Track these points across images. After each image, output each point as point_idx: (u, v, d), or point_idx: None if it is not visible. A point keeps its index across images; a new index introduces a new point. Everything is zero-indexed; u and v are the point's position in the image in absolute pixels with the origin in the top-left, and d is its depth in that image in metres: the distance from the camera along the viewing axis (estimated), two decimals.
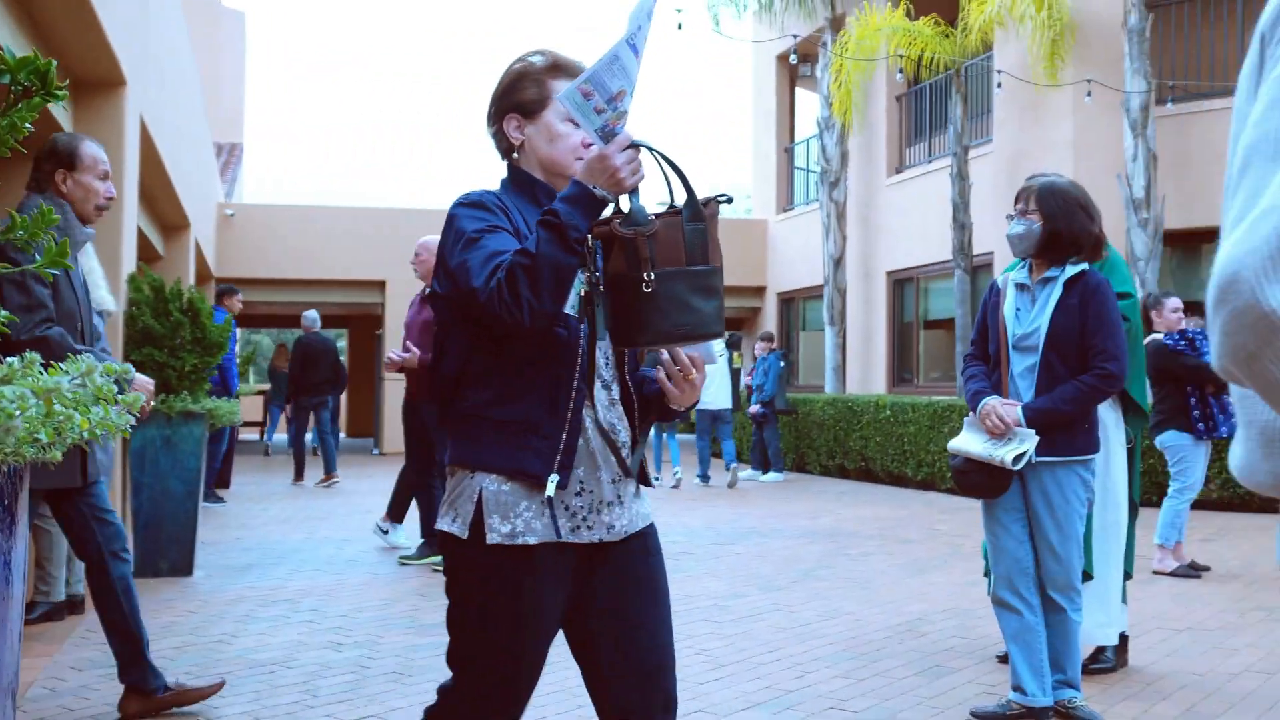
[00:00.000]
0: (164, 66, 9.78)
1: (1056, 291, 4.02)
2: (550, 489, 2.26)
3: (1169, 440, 7.51)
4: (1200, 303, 6.92)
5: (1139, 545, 8.18)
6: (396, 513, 8.28)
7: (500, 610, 2.28)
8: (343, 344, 29.33)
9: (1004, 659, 4.83)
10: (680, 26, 10.29)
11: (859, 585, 6.90)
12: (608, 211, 2.28)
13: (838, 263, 17.03)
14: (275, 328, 31.75)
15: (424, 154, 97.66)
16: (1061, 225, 4.02)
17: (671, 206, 2.34)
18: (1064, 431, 3.94)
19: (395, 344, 18.87)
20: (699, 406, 14.60)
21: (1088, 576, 4.87)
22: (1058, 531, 3.99)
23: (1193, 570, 7.26)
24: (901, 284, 16.82)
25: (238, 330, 11.20)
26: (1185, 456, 7.45)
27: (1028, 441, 3.89)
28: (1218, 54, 13.34)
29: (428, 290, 7.54)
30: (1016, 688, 4.07)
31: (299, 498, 12.11)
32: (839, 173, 17.12)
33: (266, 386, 21.28)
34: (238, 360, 11.58)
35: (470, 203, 2.38)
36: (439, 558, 7.44)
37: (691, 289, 2.28)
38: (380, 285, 19.95)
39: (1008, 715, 4.06)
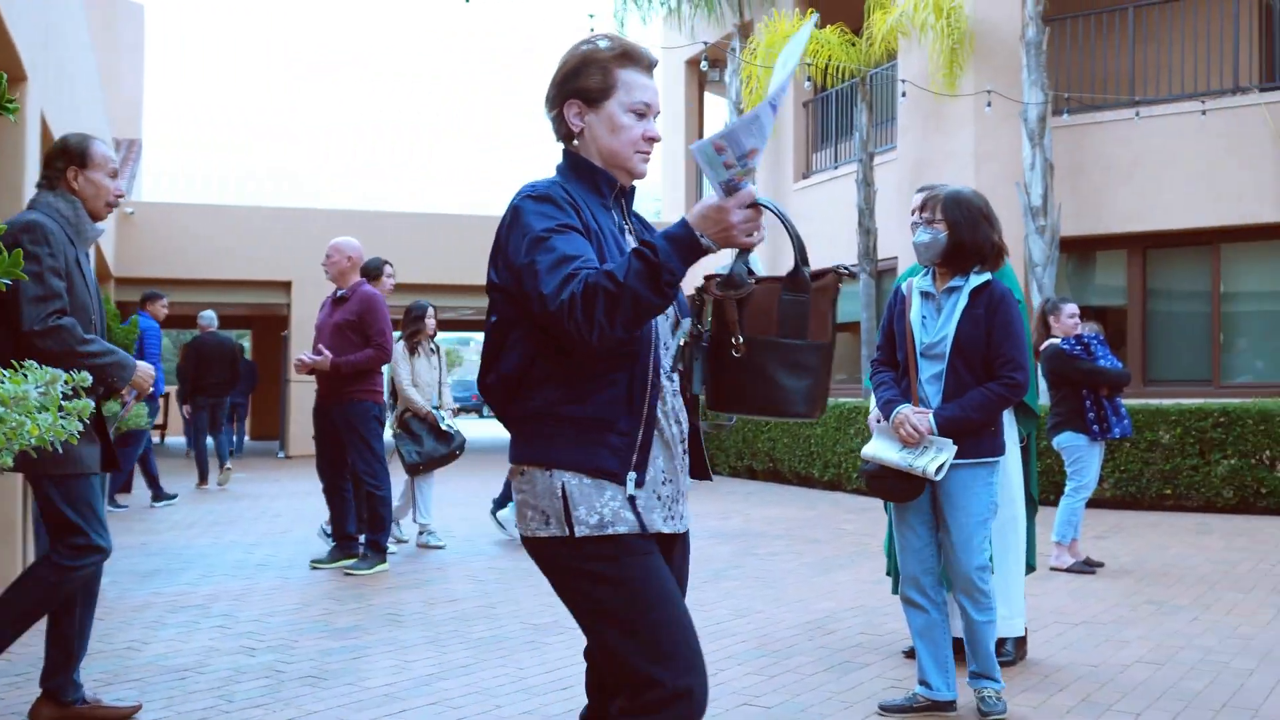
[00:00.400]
0: (64, 61, 9.56)
1: (962, 301, 4.12)
2: (630, 487, 2.26)
3: (1065, 441, 7.76)
4: (1095, 308, 7.33)
5: (1037, 542, 8.46)
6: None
7: (623, 586, 2.25)
8: (247, 344, 28.85)
9: (910, 654, 4.98)
10: (592, 31, 10.31)
11: (768, 584, 7.04)
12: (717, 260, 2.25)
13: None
14: (175, 328, 31.13)
15: (423, 155, 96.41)
16: (966, 235, 4.12)
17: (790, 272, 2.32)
18: (971, 436, 4.06)
19: (302, 345, 18.68)
20: None
21: (1030, 568, 5.16)
22: (961, 534, 4.10)
23: (1087, 566, 7.52)
24: None
25: (160, 333, 11.13)
26: (1081, 457, 7.71)
27: (946, 451, 3.99)
28: (1110, 68, 13.78)
29: (339, 293, 7.53)
30: (922, 682, 4.22)
31: (204, 502, 11.93)
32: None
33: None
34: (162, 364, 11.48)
35: (538, 196, 2.32)
36: (351, 561, 7.43)
37: (779, 363, 2.26)
38: (286, 286, 19.69)
39: (914, 708, 4.20)
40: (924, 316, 4.24)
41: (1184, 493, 10.58)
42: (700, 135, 21.35)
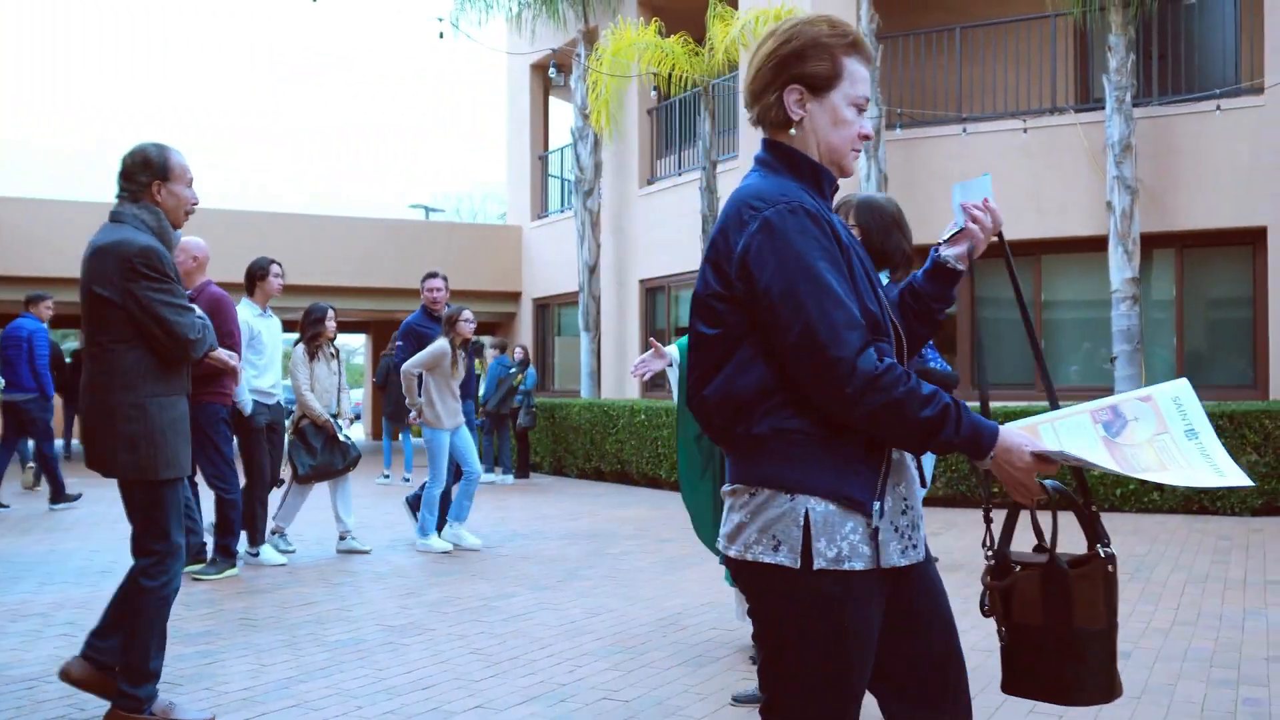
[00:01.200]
0: None
1: None
2: (876, 518, 2.13)
3: None
4: None
5: None
6: (252, 533, 7.93)
7: (831, 638, 2.12)
8: (74, 344, 27.69)
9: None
10: (441, 36, 10.34)
11: (621, 583, 7.19)
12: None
13: (592, 270, 17.43)
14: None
15: (408, 156, 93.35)
16: (877, 241, 4.19)
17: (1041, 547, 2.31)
18: None
19: None
20: None
21: None
22: None
23: None
24: (653, 292, 17.35)
25: (48, 335, 11.06)
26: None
27: None
28: (940, 86, 14.42)
29: (188, 294, 7.39)
30: None
31: (39, 506, 11.47)
32: (593, 182, 17.52)
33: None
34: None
35: (792, 207, 2.15)
36: (199, 566, 7.30)
37: (1047, 650, 2.23)
38: None
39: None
40: None
41: (1008, 490, 11.12)
42: (546, 143, 21.45)
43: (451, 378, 8.54)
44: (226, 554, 7.31)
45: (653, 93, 14.91)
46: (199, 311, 4.25)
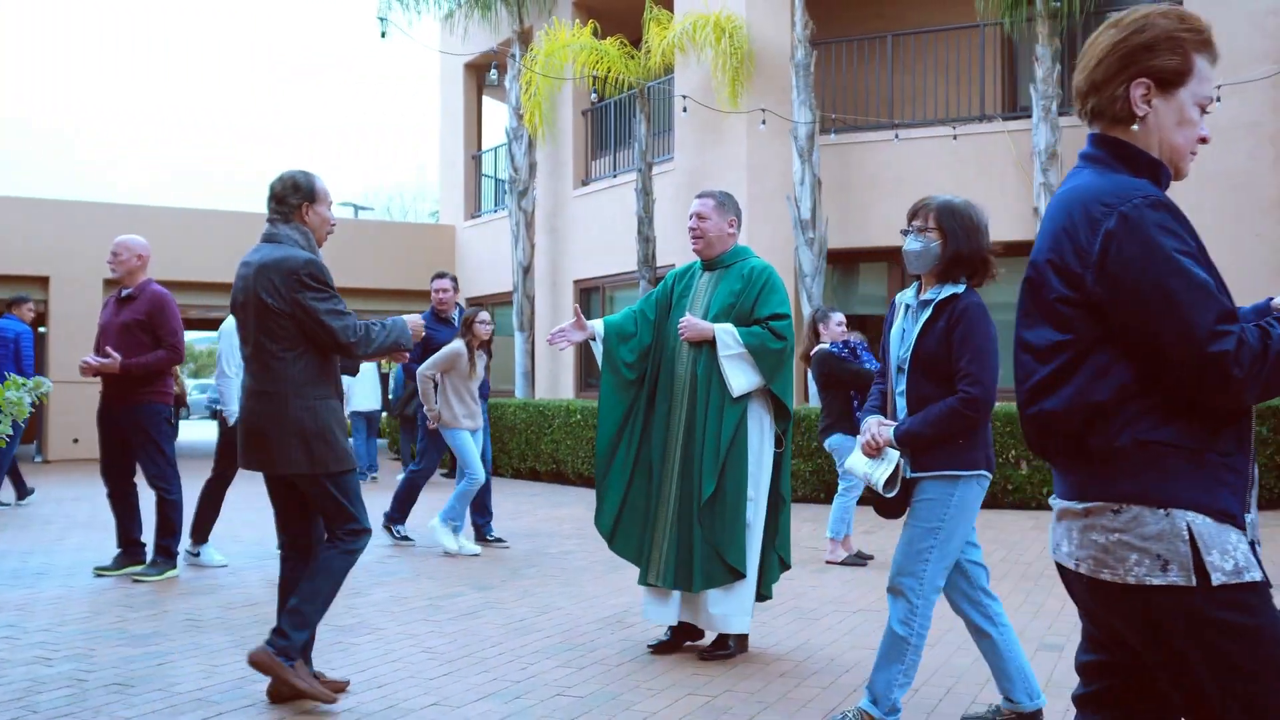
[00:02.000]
0: None
1: (925, 314, 4.01)
2: (1250, 531, 2.02)
3: (836, 443, 8.27)
4: (860, 316, 7.89)
5: (810, 538, 9.01)
6: (199, 531, 7.78)
7: (1273, 635, 1.97)
8: None
9: (657, 649, 5.32)
10: (384, 35, 10.29)
11: (565, 582, 7.26)
12: None
13: (526, 270, 17.45)
14: None
15: (338, 153, 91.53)
16: (964, 245, 4.02)
17: None
18: (930, 449, 3.95)
19: (63, 344, 17.80)
20: (353, 408, 14.93)
21: (785, 565, 5.43)
22: (905, 533, 4.02)
23: (859, 559, 8.07)
24: (588, 293, 17.42)
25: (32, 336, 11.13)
26: None
27: (889, 462, 3.94)
28: (871, 91, 14.67)
29: (125, 292, 7.31)
30: (1007, 697, 4.19)
31: None
32: (527, 182, 17.55)
33: None
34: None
35: (1165, 205, 2.04)
36: (138, 567, 7.25)
37: None
38: (44, 281, 18.64)
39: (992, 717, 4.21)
40: (903, 330, 4.12)
41: None
42: (479, 143, 21.42)
43: (469, 379, 8.54)
44: (167, 555, 7.25)
45: (592, 96, 14.96)
46: (354, 315, 4.62)
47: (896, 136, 13.64)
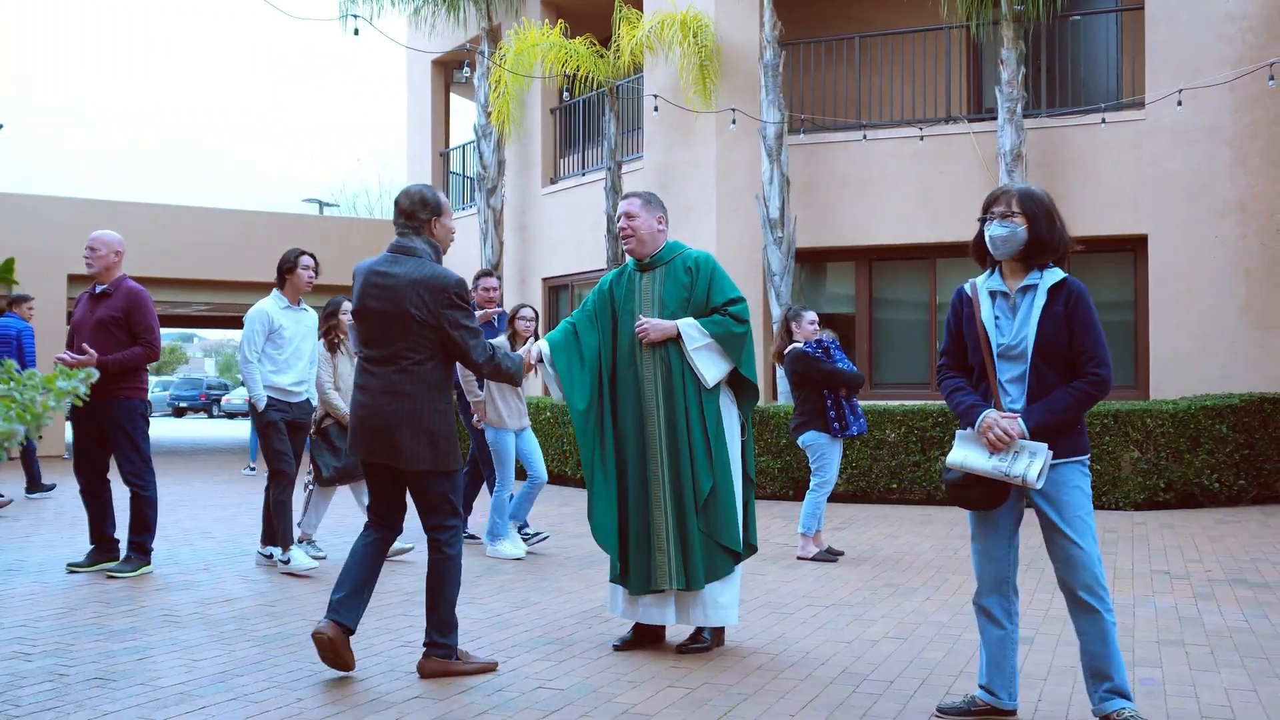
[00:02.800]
0: None
1: (1041, 299, 4.02)
2: None
3: (809, 440, 8.37)
4: (827, 315, 7.94)
5: (781, 534, 9.10)
6: (274, 536, 7.53)
7: None
8: None
9: (621, 646, 5.34)
10: (357, 32, 10.26)
11: (540, 578, 7.31)
12: None
13: (495, 268, 17.46)
14: None
15: (374, 151, 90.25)
16: (1044, 229, 4.05)
17: None
18: (1061, 436, 3.98)
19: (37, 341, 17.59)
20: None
21: (753, 549, 5.48)
22: (1073, 531, 3.96)
23: (830, 555, 8.16)
24: (557, 290, 17.45)
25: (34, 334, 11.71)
26: (824, 454, 8.33)
27: (1042, 455, 3.90)
28: (840, 92, 14.80)
29: (99, 288, 7.29)
30: (985, 688, 4.24)
31: None
32: (496, 180, 17.55)
33: None
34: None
35: None
36: (112, 564, 7.23)
37: None
38: None
39: (972, 712, 4.26)
40: (997, 317, 4.12)
41: (908, 486, 11.54)
42: (447, 140, 21.38)
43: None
44: (141, 551, 7.24)
45: (565, 95, 14.98)
46: (484, 336, 5.08)
47: (864, 137, 13.77)
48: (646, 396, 5.27)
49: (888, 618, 6.09)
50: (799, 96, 14.72)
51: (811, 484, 8.37)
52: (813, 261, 14.53)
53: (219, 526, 9.55)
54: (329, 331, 8.04)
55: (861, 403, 12.02)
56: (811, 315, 8.62)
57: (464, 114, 22.43)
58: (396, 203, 4.98)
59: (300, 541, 7.95)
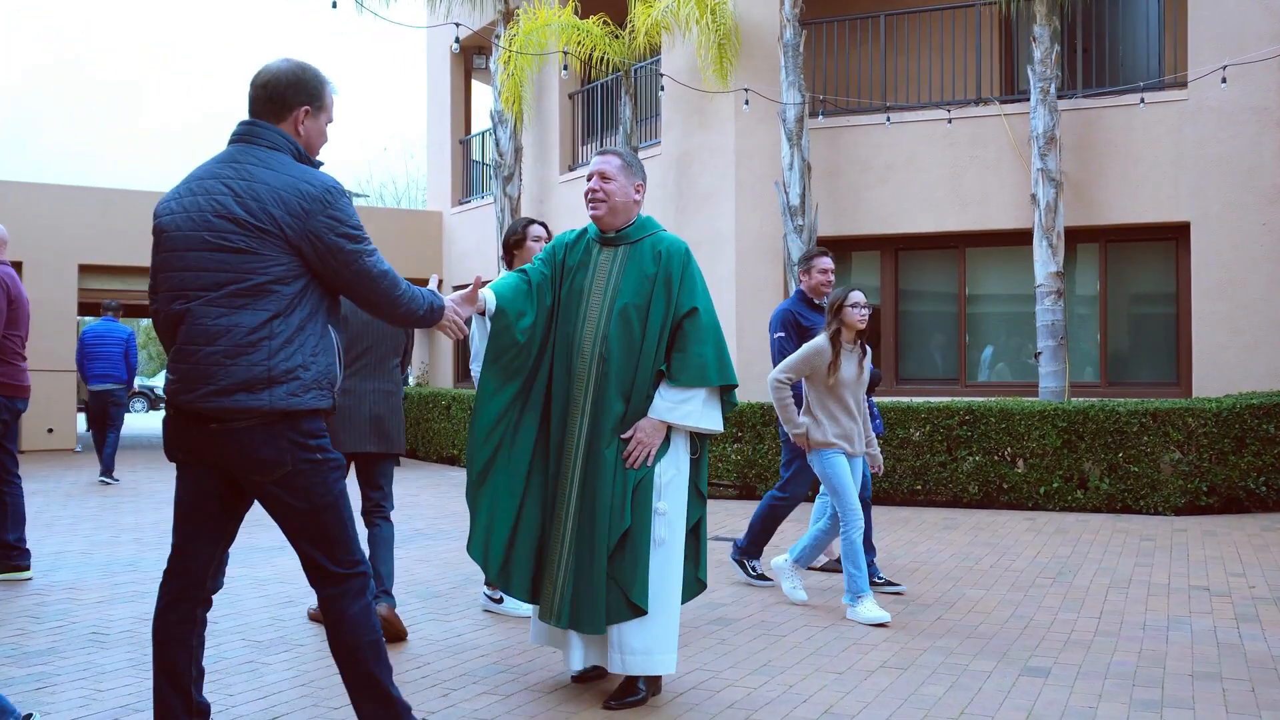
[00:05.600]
0: None
1: None
2: None
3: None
4: None
5: (789, 538, 8.47)
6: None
7: None
8: None
9: (580, 677, 4.69)
10: (335, 5, 9.69)
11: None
12: None
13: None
14: None
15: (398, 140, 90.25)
16: None
17: None
18: None
19: (39, 330, 17.24)
20: None
21: (702, 586, 4.63)
22: None
23: (839, 564, 7.55)
24: None
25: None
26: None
27: None
28: (864, 73, 14.13)
29: None
30: None
31: None
32: (513, 167, 17.02)
33: None
34: None
35: None
36: (19, 572, 6.84)
37: None
38: (17, 266, 18.17)
39: None
40: None
41: (933, 488, 10.89)
42: (467, 128, 20.89)
43: (837, 386, 6.12)
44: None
45: (563, 71, 14.36)
46: None
47: (888, 120, 13.09)
48: (574, 398, 4.39)
49: (890, 642, 5.47)
50: (820, 78, 14.07)
51: (821, 489, 7.77)
52: (836, 250, 13.82)
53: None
54: (837, 331, 6.17)
55: (885, 400, 11.44)
56: (859, 296, 8.04)
57: (485, 101, 21.94)
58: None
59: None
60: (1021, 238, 12.56)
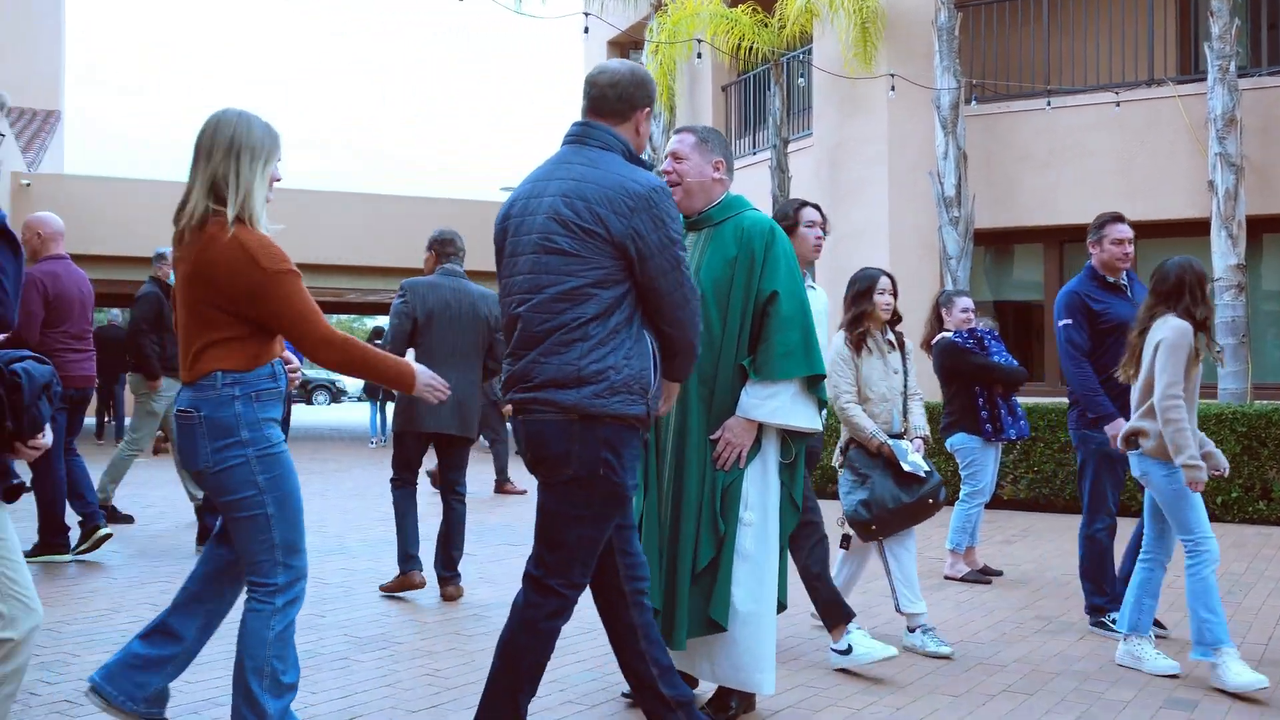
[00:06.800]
0: None
1: None
2: None
3: (959, 443, 7.35)
4: (1013, 303, 6.35)
5: (929, 548, 8.02)
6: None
7: None
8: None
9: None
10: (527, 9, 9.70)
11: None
12: None
13: None
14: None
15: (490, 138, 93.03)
16: None
17: None
18: None
19: None
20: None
21: (782, 607, 4.19)
22: None
23: (983, 575, 7.10)
24: None
25: None
26: (975, 459, 7.30)
27: None
28: (1024, 56, 13.42)
29: None
30: None
31: None
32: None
33: None
34: None
35: None
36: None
37: None
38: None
39: None
40: None
41: None
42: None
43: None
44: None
45: (697, 60, 14.02)
46: None
47: (1049, 104, 12.39)
48: (660, 424, 4.03)
49: (1022, 662, 5.03)
50: (977, 62, 13.43)
51: (961, 493, 7.33)
52: (995, 243, 13.24)
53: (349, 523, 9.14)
54: (858, 320, 5.46)
55: (1050, 400, 10.80)
56: (966, 302, 7.57)
57: None
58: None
59: (916, 630, 5.29)
60: (1198, 228, 11.70)
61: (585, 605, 3.78)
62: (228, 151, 3.30)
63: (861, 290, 5.41)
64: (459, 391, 6.12)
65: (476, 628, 5.59)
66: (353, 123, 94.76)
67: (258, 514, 3.28)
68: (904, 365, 5.53)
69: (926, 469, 5.22)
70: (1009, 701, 4.40)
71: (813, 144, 14.43)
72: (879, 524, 5.14)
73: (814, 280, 5.36)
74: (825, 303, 5.36)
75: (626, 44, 19.76)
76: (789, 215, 5.12)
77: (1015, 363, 7.49)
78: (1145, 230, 12.17)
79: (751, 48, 14.32)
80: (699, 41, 13.14)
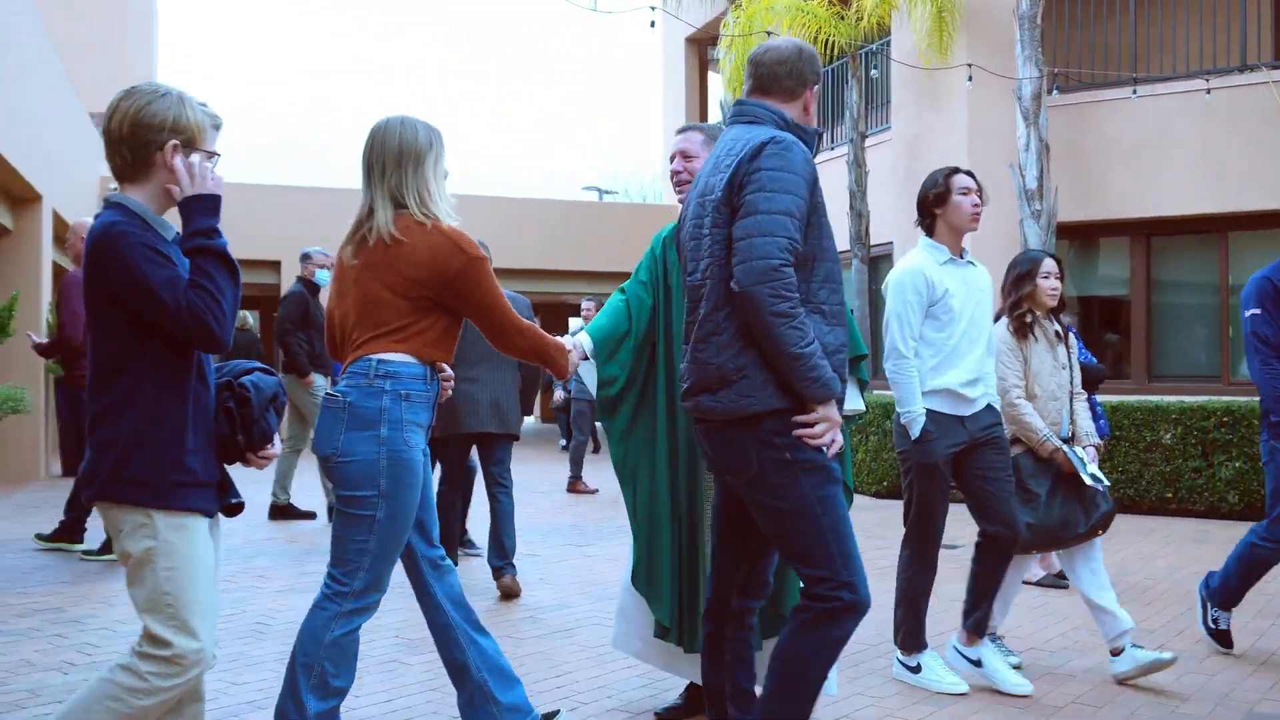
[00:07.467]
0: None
1: None
2: None
3: None
4: (1099, 299, 6.04)
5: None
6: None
7: None
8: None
9: (667, 714, 4.20)
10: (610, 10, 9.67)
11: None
12: None
13: None
14: None
15: (569, 139, 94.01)
16: None
17: None
18: None
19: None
20: None
21: None
22: None
23: (1060, 580, 6.86)
24: None
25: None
26: None
27: None
28: (1110, 44, 13.02)
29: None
30: None
31: None
32: None
33: None
34: None
35: None
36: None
37: None
38: (275, 265, 19.19)
39: None
40: None
41: (1186, 496, 9.88)
42: (703, 116, 20.70)
43: None
44: None
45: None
46: None
47: (1134, 93, 12.00)
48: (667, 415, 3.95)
49: (1092, 673, 4.82)
50: (1061, 50, 13.06)
51: None
52: (1079, 238, 12.86)
53: None
54: (1019, 303, 5.00)
55: (1133, 398, 10.45)
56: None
57: (719, 93, 21.70)
58: None
59: (992, 637, 4.98)
60: None
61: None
62: (398, 162, 3.27)
63: (1024, 273, 5.00)
64: (494, 390, 6.38)
65: (530, 630, 5.52)
66: (353, 123, 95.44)
67: (367, 515, 3.16)
68: (1069, 360, 5.12)
69: (1106, 483, 4.87)
70: (1075, 715, 4.21)
71: (891, 138, 14.18)
72: (1041, 546, 4.83)
73: (972, 258, 4.82)
74: (988, 281, 4.81)
75: (704, 40, 19.65)
76: (939, 183, 4.72)
77: (1094, 360, 7.23)
78: (1236, 222, 11.77)
79: (828, 41, 14.10)
80: (774, 36, 12.93)
